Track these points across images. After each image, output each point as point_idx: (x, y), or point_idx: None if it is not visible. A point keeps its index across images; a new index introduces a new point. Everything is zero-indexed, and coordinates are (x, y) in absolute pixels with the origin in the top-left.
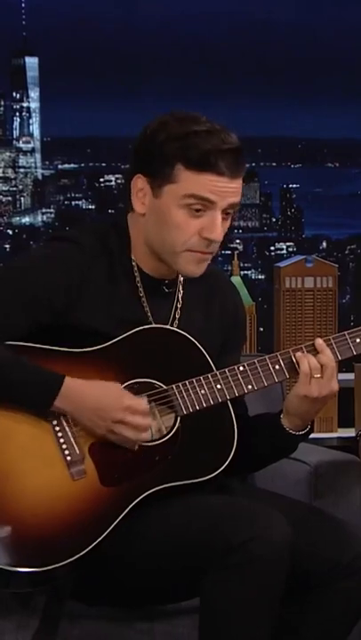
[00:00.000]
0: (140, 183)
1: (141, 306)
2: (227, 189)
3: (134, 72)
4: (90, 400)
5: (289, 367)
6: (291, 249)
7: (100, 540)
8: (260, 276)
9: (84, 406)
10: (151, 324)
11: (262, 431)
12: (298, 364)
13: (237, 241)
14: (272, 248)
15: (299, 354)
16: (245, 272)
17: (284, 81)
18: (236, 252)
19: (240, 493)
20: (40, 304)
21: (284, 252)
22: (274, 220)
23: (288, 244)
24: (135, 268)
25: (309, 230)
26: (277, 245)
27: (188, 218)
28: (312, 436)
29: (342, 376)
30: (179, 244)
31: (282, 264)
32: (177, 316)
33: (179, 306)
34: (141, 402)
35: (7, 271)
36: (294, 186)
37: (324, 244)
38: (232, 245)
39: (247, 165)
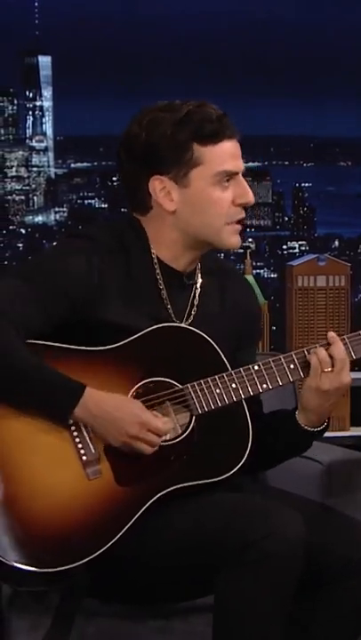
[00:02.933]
0: (157, 184)
1: (161, 298)
2: (238, 152)
3: (143, 71)
4: (107, 412)
5: (304, 366)
6: (303, 247)
7: (114, 540)
8: (272, 275)
9: (101, 417)
10: (170, 316)
11: (277, 428)
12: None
13: (250, 240)
14: (284, 247)
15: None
16: (258, 271)
17: (286, 80)
18: (248, 251)
19: (253, 492)
20: (57, 298)
21: (297, 250)
22: (286, 218)
23: (300, 242)
24: (155, 261)
25: (322, 229)
26: (290, 244)
27: (220, 192)
28: (325, 434)
29: (354, 375)
30: (219, 219)
31: (294, 263)
32: (195, 304)
33: (197, 294)
34: (158, 421)
35: (24, 267)
36: (306, 184)
37: (337, 242)
38: (245, 244)
39: (259, 164)
